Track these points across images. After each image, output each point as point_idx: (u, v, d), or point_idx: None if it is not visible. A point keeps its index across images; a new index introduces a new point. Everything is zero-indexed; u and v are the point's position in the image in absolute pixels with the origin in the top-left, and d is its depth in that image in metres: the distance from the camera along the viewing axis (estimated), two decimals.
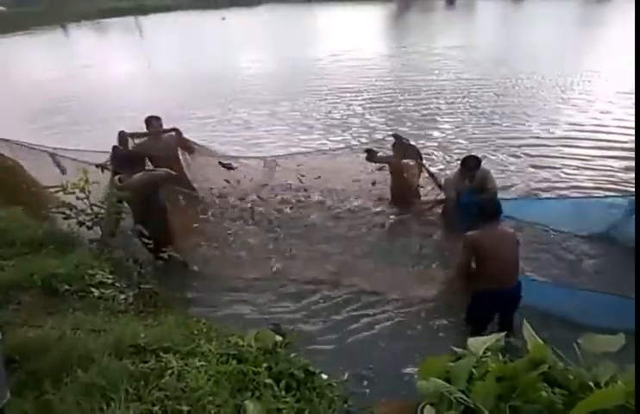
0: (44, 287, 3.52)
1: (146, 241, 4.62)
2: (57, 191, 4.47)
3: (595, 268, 5.40)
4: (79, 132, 11.06)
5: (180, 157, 6.84)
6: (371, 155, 6.49)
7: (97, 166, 5.48)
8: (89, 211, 4.29)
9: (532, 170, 8.01)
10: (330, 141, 10.05)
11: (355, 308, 4.87)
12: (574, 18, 29.56)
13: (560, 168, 8.00)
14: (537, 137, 9.62)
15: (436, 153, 8.86)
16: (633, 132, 9.31)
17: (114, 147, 5.76)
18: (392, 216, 6.51)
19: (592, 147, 8.82)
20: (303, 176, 6.86)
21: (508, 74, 15.00)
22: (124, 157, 5.47)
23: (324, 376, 2.58)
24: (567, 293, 4.61)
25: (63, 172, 5.67)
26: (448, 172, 6.52)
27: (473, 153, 6.36)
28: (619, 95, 12.06)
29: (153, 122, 6.55)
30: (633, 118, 10.17)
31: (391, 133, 6.56)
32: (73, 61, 23.85)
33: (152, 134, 6.47)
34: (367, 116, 11.78)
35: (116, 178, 5.02)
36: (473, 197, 5.73)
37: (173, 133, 6.70)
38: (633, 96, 11.11)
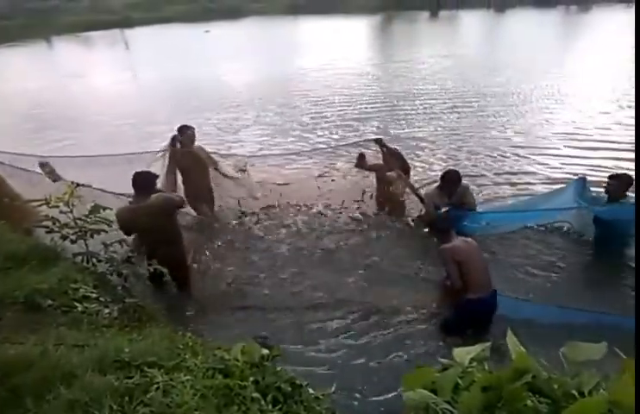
0: (26, 303, 3.44)
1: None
2: (40, 205, 4.40)
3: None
4: (48, 140, 11.06)
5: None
6: (361, 161, 6.46)
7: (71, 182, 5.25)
8: (72, 225, 4.23)
9: (512, 172, 8.52)
10: (317, 145, 10.15)
11: (343, 320, 4.86)
12: (555, 27, 30.14)
13: (545, 164, 8.65)
14: (523, 138, 10.01)
15: (422, 160, 8.95)
16: (610, 131, 10.03)
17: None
18: (379, 228, 6.50)
19: (574, 147, 9.41)
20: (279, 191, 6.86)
21: (491, 81, 15.27)
22: (139, 181, 4.92)
23: (311, 390, 2.56)
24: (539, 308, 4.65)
25: (56, 179, 5.39)
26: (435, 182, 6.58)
27: (453, 168, 6.44)
28: (602, 98, 12.52)
29: (185, 131, 6.35)
30: (610, 118, 10.86)
31: (374, 138, 6.56)
32: (54, 72, 23.67)
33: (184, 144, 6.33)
34: (354, 123, 11.92)
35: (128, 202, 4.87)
36: (454, 211, 5.75)
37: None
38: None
